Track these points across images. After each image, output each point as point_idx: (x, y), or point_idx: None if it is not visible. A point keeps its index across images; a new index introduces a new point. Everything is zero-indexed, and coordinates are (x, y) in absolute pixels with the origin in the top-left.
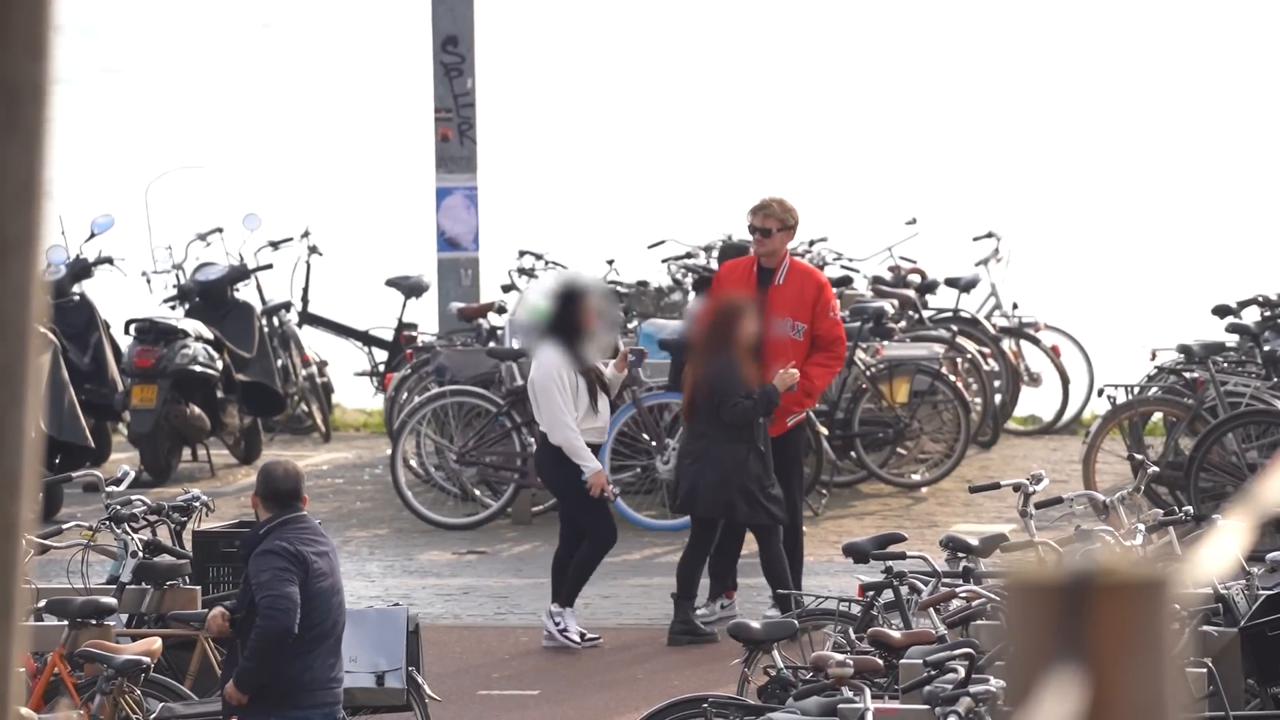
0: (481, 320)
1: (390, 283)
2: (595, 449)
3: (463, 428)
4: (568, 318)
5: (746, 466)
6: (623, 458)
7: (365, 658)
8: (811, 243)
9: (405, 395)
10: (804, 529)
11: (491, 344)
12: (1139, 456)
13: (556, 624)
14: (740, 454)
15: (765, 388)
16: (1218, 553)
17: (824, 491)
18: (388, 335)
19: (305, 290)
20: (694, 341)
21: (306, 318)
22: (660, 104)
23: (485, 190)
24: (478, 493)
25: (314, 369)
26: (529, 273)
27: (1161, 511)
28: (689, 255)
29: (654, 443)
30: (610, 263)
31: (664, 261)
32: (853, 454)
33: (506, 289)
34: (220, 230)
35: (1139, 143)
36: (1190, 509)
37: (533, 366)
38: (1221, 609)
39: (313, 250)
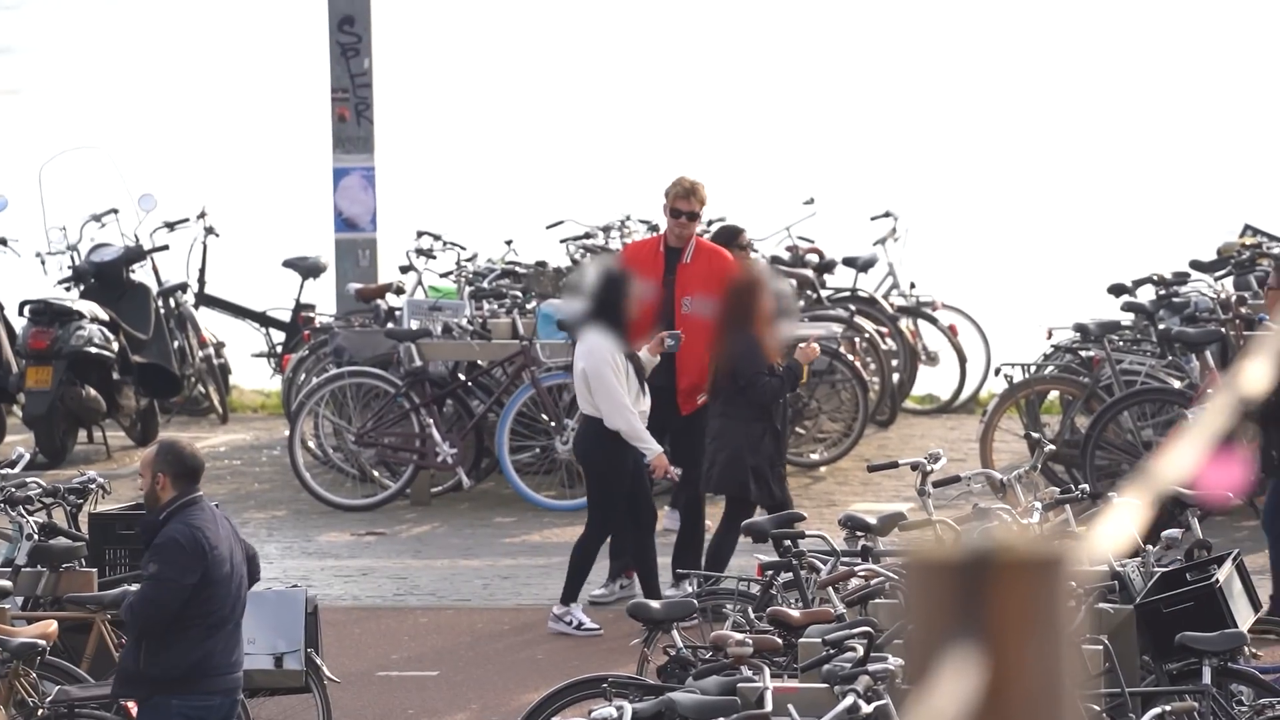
0: (379, 301)
1: (287, 263)
2: None
3: (361, 409)
4: (613, 302)
5: (761, 446)
6: (521, 438)
7: (264, 639)
8: (710, 223)
9: (303, 376)
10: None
11: (390, 325)
12: (1036, 435)
13: (568, 623)
14: (756, 433)
15: (790, 363)
16: (1114, 530)
17: None
18: (285, 316)
19: (202, 271)
20: (714, 320)
21: (203, 299)
22: (557, 83)
23: (383, 171)
24: (376, 474)
25: (211, 350)
26: (427, 253)
27: (1058, 490)
28: (587, 235)
29: (553, 423)
30: (509, 243)
31: (562, 242)
32: None
33: (404, 270)
34: (115, 211)
35: (1035, 122)
36: (1086, 487)
37: (579, 353)
38: (1117, 586)
39: (209, 231)
